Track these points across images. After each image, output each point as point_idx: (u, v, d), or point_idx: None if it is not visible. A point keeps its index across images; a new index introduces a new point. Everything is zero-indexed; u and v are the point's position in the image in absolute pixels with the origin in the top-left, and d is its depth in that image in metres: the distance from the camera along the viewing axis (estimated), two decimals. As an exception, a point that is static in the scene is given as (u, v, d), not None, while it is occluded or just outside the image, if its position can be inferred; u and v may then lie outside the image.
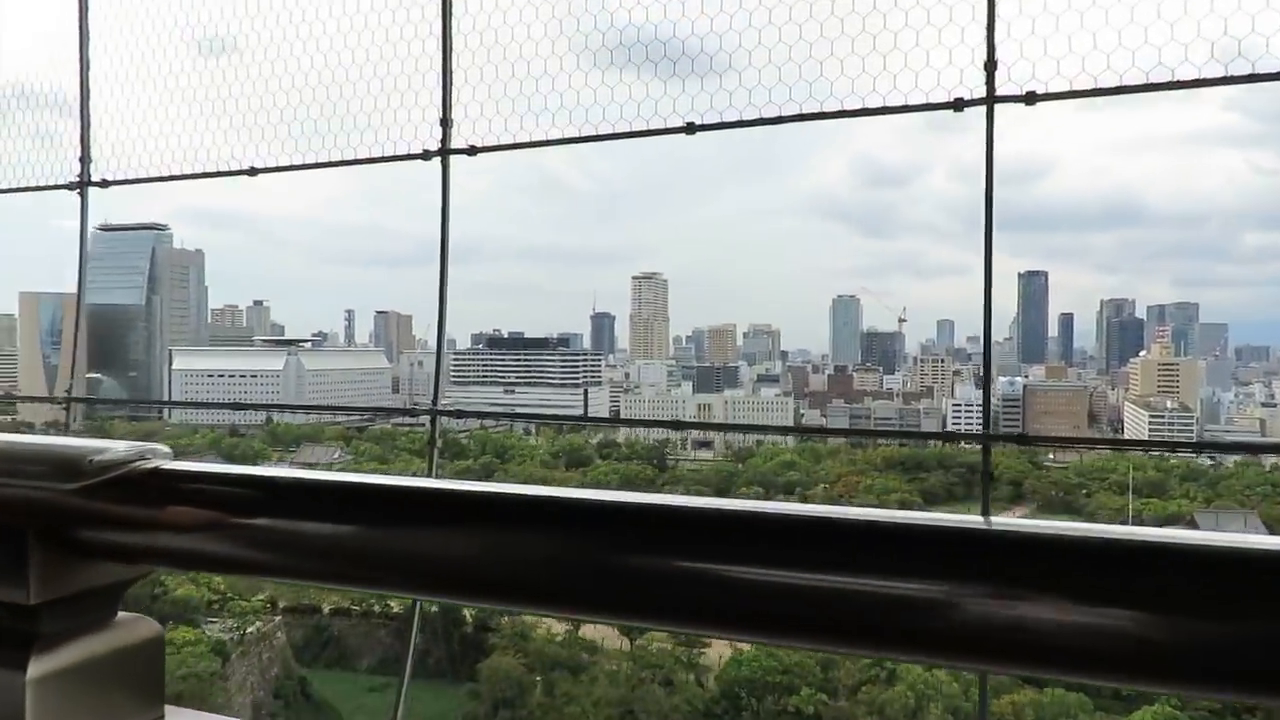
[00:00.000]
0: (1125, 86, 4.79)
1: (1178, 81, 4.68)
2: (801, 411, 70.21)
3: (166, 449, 0.93)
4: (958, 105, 4.92)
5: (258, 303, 42.95)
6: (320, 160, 6.81)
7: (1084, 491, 56.07)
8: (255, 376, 36.12)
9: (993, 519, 0.68)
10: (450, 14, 6.37)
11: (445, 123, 6.38)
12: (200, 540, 0.90)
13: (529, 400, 62.69)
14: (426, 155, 6.48)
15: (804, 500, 44.30)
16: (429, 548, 0.82)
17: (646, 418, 62.87)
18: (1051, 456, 63.72)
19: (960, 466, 59.67)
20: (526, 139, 6.29)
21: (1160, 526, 0.68)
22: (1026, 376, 75.64)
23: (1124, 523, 42.24)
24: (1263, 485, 33.22)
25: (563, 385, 64.46)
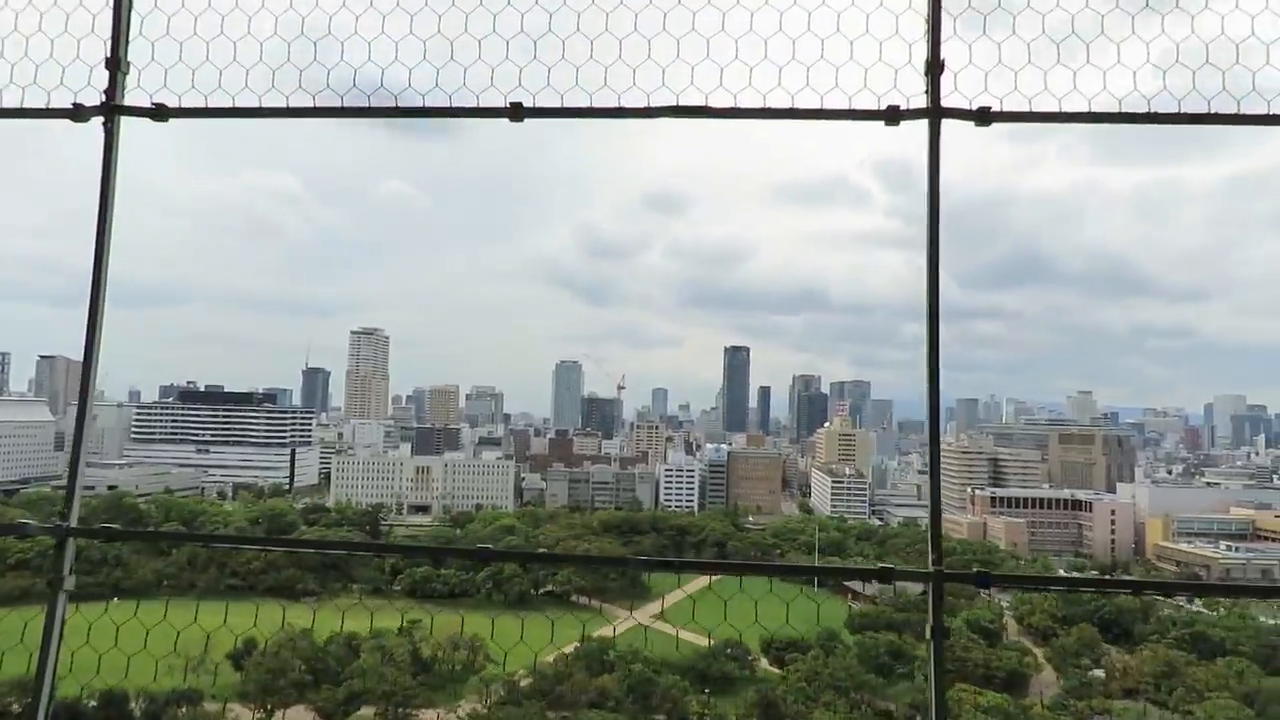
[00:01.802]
0: (1090, 114, 4.23)
1: (1128, 114, 4.28)
2: (523, 475, 71.59)
3: None
4: (891, 115, 4.18)
5: None
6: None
7: (779, 551, 62.14)
8: None
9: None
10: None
11: (114, 64, 4.18)
12: None
13: (227, 460, 57.99)
14: (80, 112, 4.17)
15: (523, 566, 44.35)
16: None
17: (361, 479, 60.13)
18: (751, 519, 69.87)
19: (671, 530, 63.79)
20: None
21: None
22: (730, 444, 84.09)
23: (811, 578, 46.29)
24: (920, 543, 40.16)
25: (267, 444, 60.45)
